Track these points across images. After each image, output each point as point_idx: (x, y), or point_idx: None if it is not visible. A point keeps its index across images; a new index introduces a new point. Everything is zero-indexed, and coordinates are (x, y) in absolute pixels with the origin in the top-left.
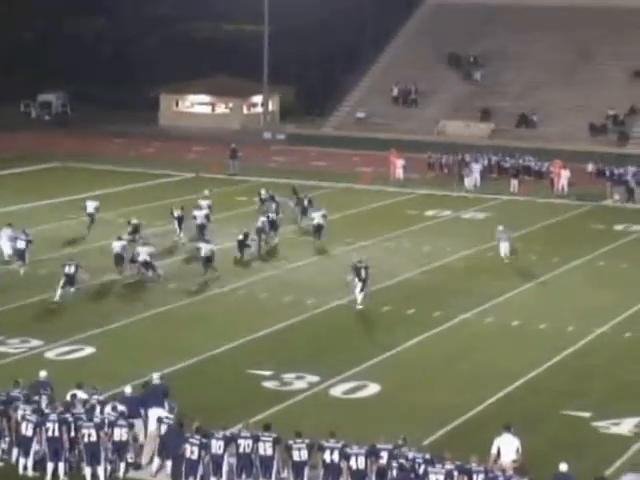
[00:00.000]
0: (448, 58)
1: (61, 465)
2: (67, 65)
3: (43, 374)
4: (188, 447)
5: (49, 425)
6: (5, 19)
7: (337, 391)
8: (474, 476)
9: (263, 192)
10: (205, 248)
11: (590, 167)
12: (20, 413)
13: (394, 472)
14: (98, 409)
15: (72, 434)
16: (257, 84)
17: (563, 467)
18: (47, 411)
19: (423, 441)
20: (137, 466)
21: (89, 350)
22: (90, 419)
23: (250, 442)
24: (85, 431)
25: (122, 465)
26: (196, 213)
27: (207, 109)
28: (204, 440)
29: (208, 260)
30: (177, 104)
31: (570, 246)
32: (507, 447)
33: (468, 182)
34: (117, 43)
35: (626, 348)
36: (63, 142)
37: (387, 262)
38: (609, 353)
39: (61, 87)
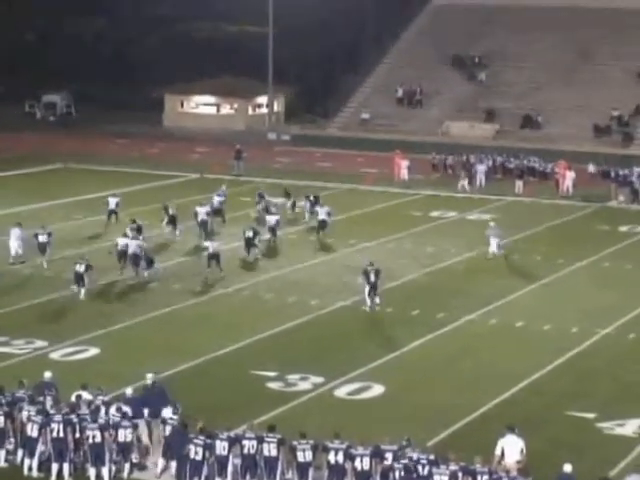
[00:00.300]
0: (452, 59)
1: (66, 466)
2: (67, 65)
3: (48, 375)
4: (192, 448)
5: (54, 426)
6: (5, 19)
7: (341, 392)
8: (478, 477)
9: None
10: (212, 246)
11: (591, 168)
12: (25, 414)
13: (398, 473)
14: (103, 410)
15: (77, 435)
16: (262, 84)
17: (567, 468)
18: (52, 412)
19: (427, 442)
20: (142, 467)
21: (94, 351)
22: (95, 420)
23: (254, 443)
24: (90, 432)
25: (126, 466)
26: (198, 210)
27: (212, 110)
28: (208, 441)
29: (216, 258)
30: (182, 105)
31: (575, 247)
32: (511, 448)
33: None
34: (117, 43)
35: (630, 349)
36: (66, 143)
37: (391, 263)
38: (613, 354)
39: (62, 87)
